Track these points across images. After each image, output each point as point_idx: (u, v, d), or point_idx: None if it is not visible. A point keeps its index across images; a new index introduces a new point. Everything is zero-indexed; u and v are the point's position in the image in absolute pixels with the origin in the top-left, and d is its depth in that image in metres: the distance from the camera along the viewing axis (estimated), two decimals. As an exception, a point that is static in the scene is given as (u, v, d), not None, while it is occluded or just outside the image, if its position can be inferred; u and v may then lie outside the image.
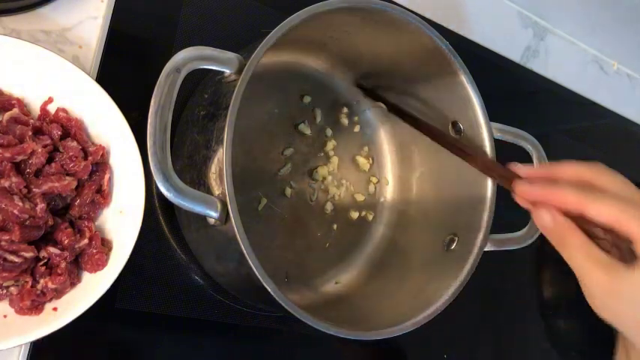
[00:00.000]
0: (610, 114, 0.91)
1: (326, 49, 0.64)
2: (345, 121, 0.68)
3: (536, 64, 0.86)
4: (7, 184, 0.47)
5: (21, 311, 0.48)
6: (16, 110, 0.49)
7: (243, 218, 0.44)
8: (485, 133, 0.58)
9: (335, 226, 0.67)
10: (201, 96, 0.55)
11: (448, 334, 0.72)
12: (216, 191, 0.47)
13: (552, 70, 0.87)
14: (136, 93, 0.60)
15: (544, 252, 0.81)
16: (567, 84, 0.87)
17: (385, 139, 0.71)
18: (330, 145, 0.67)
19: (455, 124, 0.60)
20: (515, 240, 0.60)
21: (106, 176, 0.51)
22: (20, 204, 0.47)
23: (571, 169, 0.48)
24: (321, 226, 0.66)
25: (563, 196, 0.46)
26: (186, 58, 0.45)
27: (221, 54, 0.47)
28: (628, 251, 0.45)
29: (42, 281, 0.48)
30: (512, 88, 0.80)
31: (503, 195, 0.54)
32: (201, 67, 0.46)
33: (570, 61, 0.91)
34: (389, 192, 0.70)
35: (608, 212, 0.44)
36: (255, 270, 0.44)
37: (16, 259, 0.47)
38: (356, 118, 0.69)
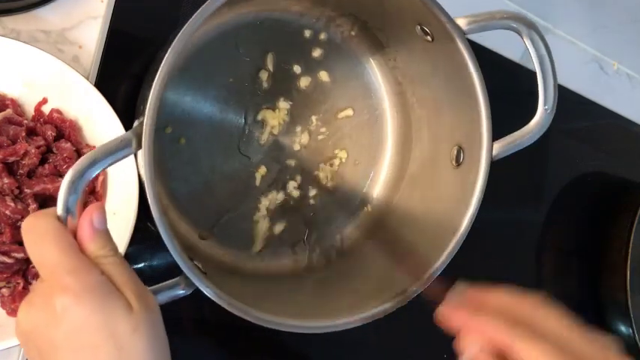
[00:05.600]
0: (610, 114, 0.88)
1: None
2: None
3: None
4: (-2, 185, 0.45)
5: (13, 313, 0.46)
6: (9, 111, 0.47)
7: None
8: (484, 155, 0.51)
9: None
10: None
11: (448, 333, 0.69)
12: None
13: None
14: (135, 93, 0.57)
15: (544, 251, 0.78)
16: (567, 84, 0.84)
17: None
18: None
19: (459, 149, 0.55)
20: (524, 135, 0.52)
21: (100, 178, 0.49)
22: (12, 205, 0.45)
23: (506, 298, 0.41)
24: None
25: (487, 326, 0.39)
26: (75, 174, 0.36)
27: (113, 145, 0.39)
28: None
29: (34, 282, 0.46)
30: (512, 88, 0.78)
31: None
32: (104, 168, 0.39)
33: (570, 61, 0.88)
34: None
35: (536, 356, 0.37)
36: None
37: (8, 260, 0.45)
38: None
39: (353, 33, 0.61)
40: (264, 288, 0.57)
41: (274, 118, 0.59)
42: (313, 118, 0.61)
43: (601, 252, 0.77)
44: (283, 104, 0.60)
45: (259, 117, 0.59)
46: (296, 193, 0.61)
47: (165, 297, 0.42)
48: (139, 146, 0.39)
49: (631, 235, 0.73)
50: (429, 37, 0.52)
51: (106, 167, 0.38)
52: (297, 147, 0.61)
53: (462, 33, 0.49)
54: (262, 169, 0.59)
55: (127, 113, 0.50)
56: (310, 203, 0.62)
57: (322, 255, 0.62)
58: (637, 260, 0.74)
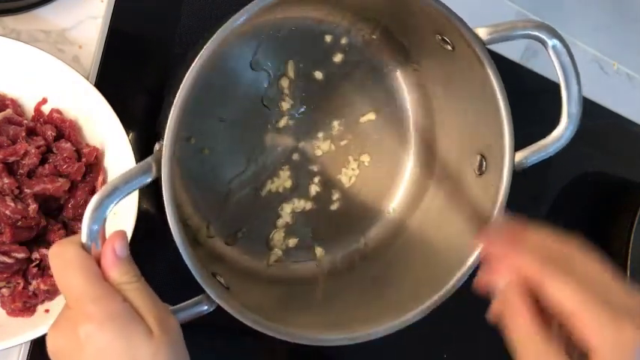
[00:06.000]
0: (610, 114, 0.87)
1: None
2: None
3: (536, 64, 0.83)
4: (-2, 185, 0.44)
5: (12, 313, 0.46)
6: (9, 111, 0.47)
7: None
8: (506, 168, 0.50)
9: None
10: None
11: (448, 333, 0.69)
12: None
13: (552, 70, 0.84)
14: (135, 93, 0.57)
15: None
16: None
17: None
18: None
19: (481, 158, 0.54)
20: (547, 146, 0.51)
21: (100, 178, 0.49)
22: (12, 205, 0.44)
23: (545, 236, 0.40)
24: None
25: (524, 260, 0.38)
26: (97, 204, 0.38)
27: (133, 173, 0.40)
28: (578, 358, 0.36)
29: (34, 283, 0.46)
30: (512, 88, 0.78)
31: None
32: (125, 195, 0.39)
33: (570, 61, 0.88)
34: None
35: (566, 297, 0.35)
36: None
37: (8, 260, 0.45)
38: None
39: (374, 37, 0.60)
40: (287, 294, 0.57)
41: (296, 125, 0.59)
42: (335, 123, 0.60)
43: (601, 252, 0.76)
44: (305, 110, 0.59)
45: (281, 124, 0.58)
46: (318, 198, 0.61)
47: (187, 315, 0.43)
48: (159, 172, 0.39)
49: (631, 235, 0.72)
50: (449, 46, 0.51)
51: (128, 194, 0.39)
52: (318, 152, 0.60)
53: (483, 44, 0.48)
54: (284, 175, 0.59)
55: (127, 113, 0.50)
56: (333, 207, 0.61)
57: (346, 259, 0.62)
58: (637, 260, 0.73)
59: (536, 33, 0.49)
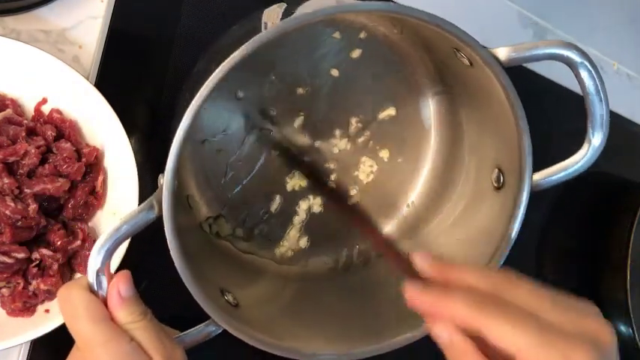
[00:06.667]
0: (610, 114, 0.87)
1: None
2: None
3: (537, 64, 0.82)
4: (-2, 185, 0.44)
5: (12, 313, 0.46)
6: (9, 111, 0.47)
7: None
8: (525, 187, 0.48)
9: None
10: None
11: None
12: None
13: (552, 70, 0.84)
14: (135, 93, 0.57)
15: (544, 251, 0.77)
16: (567, 84, 0.84)
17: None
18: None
19: (499, 172, 0.52)
20: (567, 168, 0.49)
21: (100, 178, 0.49)
22: (12, 205, 0.44)
23: (471, 275, 0.37)
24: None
25: (453, 309, 0.35)
26: (100, 248, 0.38)
27: (134, 214, 0.39)
28: None
29: (34, 283, 0.46)
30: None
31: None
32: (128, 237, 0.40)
33: (570, 61, 0.88)
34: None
35: (506, 337, 0.33)
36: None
37: (8, 260, 0.45)
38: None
39: (395, 31, 0.57)
40: (300, 292, 0.57)
41: (312, 123, 0.58)
42: (353, 120, 0.60)
43: (601, 252, 0.76)
44: (322, 107, 0.58)
45: (296, 124, 0.58)
46: (335, 195, 0.60)
47: (195, 339, 0.43)
48: (161, 211, 0.40)
49: (631, 235, 0.72)
50: (466, 62, 0.49)
51: (132, 234, 0.39)
52: (335, 150, 0.60)
53: (500, 64, 0.46)
54: (301, 173, 0.59)
55: (127, 113, 0.50)
56: (350, 203, 0.61)
57: (362, 254, 0.61)
58: (637, 260, 0.73)
59: (562, 53, 0.45)
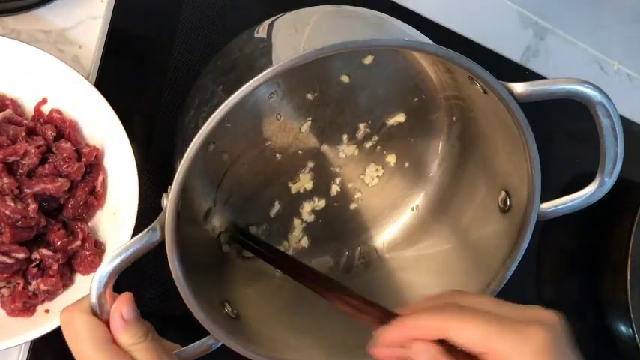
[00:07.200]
0: (610, 114, 0.87)
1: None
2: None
3: (536, 64, 0.83)
4: (-2, 185, 0.44)
5: (12, 313, 0.46)
6: (9, 111, 0.47)
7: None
8: (532, 217, 0.48)
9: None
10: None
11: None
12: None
13: (552, 70, 0.84)
14: (135, 93, 0.57)
15: (543, 252, 0.77)
16: None
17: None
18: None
19: (506, 195, 0.51)
20: (574, 200, 0.49)
21: (100, 178, 0.48)
22: (12, 205, 0.44)
23: (423, 304, 0.40)
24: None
25: (418, 323, 0.38)
26: (102, 273, 0.38)
27: (137, 239, 0.39)
28: None
29: (34, 283, 0.46)
30: None
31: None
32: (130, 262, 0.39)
33: (570, 61, 0.88)
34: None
35: (472, 334, 0.36)
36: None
37: (8, 260, 0.45)
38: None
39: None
40: (298, 294, 0.55)
41: (320, 128, 0.57)
42: (361, 125, 0.59)
43: (601, 252, 0.76)
44: (330, 113, 0.57)
45: (303, 129, 0.57)
46: (339, 198, 0.60)
47: (195, 354, 0.43)
48: (164, 236, 0.39)
49: (631, 235, 0.72)
50: (480, 88, 0.48)
51: (134, 259, 0.39)
52: (342, 155, 0.59)
53: (515, 99, 0.45)
54: (307, 176, 0.59)
55: (127, 113, 0.50)
56: (353, 207, 0.61)
57: (363, 257, 0.61)
58: (637, 260, 0.73)
59: (580, 89, 0.45)
